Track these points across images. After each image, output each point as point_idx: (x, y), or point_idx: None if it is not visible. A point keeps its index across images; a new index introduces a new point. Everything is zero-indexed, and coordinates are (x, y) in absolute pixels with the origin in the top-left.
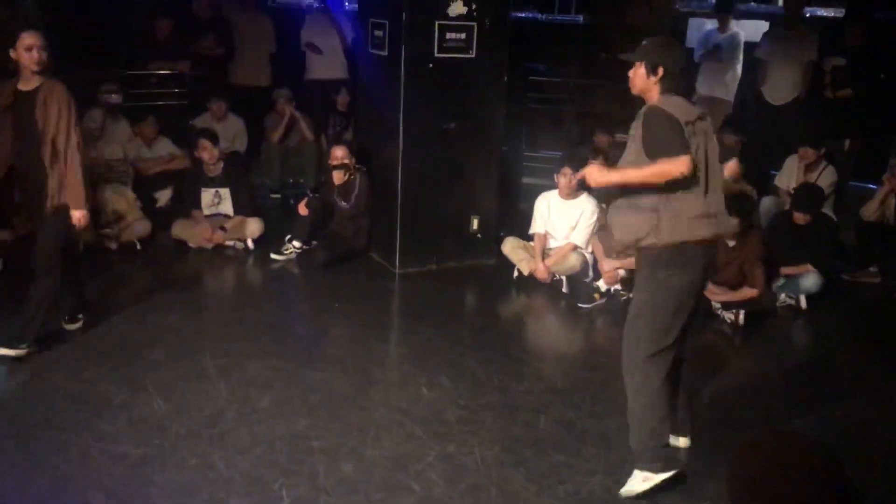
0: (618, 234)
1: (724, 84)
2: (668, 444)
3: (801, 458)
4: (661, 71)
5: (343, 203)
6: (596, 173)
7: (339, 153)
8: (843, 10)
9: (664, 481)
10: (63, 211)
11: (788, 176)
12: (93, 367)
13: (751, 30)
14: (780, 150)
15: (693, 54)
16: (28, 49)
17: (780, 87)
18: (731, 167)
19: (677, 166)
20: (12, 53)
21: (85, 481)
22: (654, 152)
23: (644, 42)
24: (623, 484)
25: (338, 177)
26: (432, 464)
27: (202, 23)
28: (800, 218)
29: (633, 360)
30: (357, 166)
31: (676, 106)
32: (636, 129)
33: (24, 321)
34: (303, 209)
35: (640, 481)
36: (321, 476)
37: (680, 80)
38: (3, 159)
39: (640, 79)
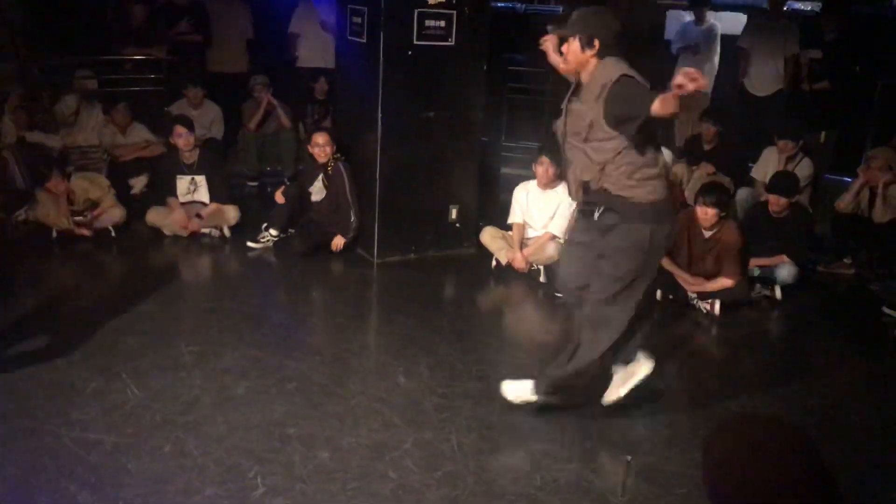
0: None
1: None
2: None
3: (777, 442)
4: (596, 43)
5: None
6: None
7: (321, 139)
8: (820, 5)
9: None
10: None
11: (765, 167)
12: (65, 354)
13: (727, 22)
14: (759, 142)
15: (671, 47)
16: None
17: (763, 79)
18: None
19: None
20: None
21: (57, 470)
22: (631, 108)
23: (574, 14)
24: (599, 473)
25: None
26: (409, 451)
27: (179, 8)
28: (775, 204)
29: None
30: (336, 156)
31: (622, 64)
32: (593, 102)
33: None
34: (279, 198)
35: (528, 392)
36: (297, 464)
37: (615, 50)
38: None
39: (575, 54)
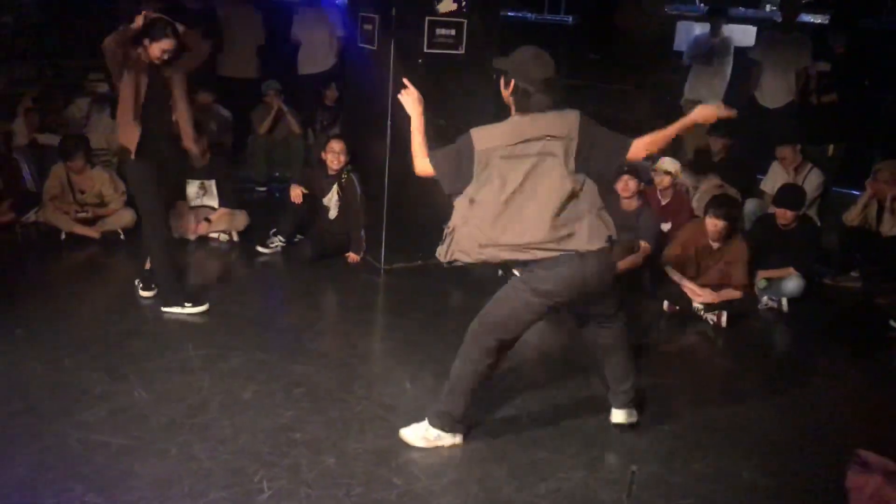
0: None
1: (712, 88)
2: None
3: None
4: (511, 84)
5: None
6: (411, 99)
7: (337, 147)
8: (829, 17)
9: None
10: None
11: (774, 180)
12: (73, 356)
13: (738, 34)
14: (769, 154)
15: (683, 57)
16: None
17: (775, 91)
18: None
19: (417, 159)
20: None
21: (64, 470)
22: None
23: (512, 52)
24: (603, 482)
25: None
26: (414, 458)
27: (190, 14)
28: (782, 217)
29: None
30: (349, 168)
31: (493, 132)
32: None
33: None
34: (297, 196)
35: (421, 436)
36: (303, 469)
37: (536, 98)
38: None
39: (502, 87)
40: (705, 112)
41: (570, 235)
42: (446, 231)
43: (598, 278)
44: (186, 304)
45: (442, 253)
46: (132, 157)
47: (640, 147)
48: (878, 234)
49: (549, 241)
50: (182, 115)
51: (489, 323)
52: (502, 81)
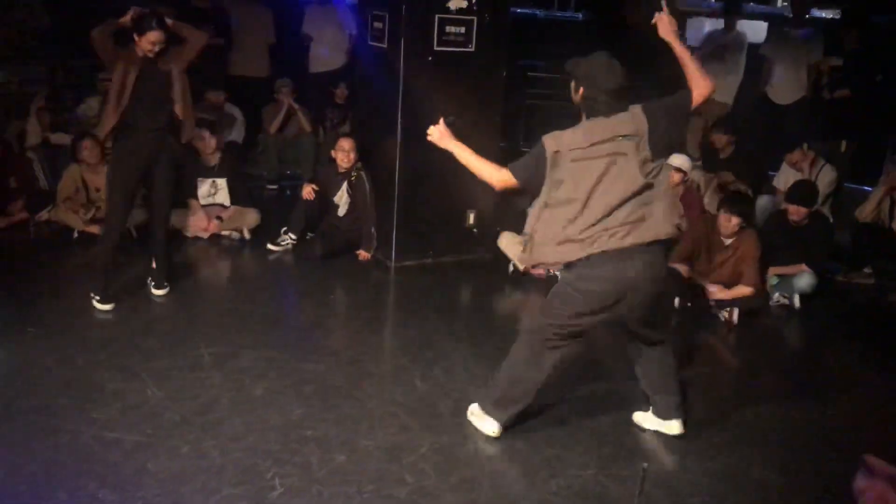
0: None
1: (724, 85)
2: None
3: None
4: (580, 91)
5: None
6: (438, 135)
7: (347, 145)
8: (840, 13)
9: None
10: None
11: (787, 176)
12: (86, 354)
13: (749, 30)
14: (781, 150)
15: (694, 53)
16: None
17: (786, 87)
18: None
19: (493, 175)
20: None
21: (77, 467)
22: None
23: (578, 58)
24: (615, 479)
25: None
26: (425, 455)
27: (200, 12)
28: (795, 213)
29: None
30: (358, 166)
31: (564, 136)
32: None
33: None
34: (309, 194)
35: (480, 401)
36: (314, 466)
37: (605, 106)
38: None
39: (573, 92)
40: (663, 21)
41: (641, 219)
42: (525, 238)
43: (649, 280)
44: (95, 297)
45: (525, 259)
46: (100, 136)
47: (697, 89)
48: (892, 230)
49: (615, 227)
50: (181, 111)
51: (535, 321)
52: (572, 86)
